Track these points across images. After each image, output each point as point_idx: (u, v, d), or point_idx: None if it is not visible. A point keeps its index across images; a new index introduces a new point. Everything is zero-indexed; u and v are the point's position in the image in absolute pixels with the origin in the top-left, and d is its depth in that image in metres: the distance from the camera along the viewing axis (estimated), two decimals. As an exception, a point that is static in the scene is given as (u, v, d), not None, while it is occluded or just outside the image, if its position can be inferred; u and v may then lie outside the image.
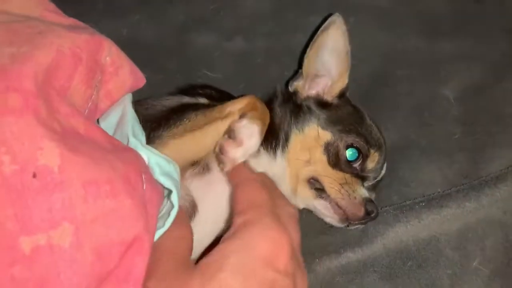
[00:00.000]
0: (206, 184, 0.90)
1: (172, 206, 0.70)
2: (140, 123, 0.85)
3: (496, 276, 0.93)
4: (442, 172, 1.07)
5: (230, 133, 0.86)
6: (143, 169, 0.66)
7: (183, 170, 0.86)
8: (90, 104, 0.71)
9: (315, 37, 1.03)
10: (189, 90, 1.09)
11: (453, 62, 1.23)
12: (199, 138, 0.88)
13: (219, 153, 0.85)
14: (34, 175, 0.53)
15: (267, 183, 0.81)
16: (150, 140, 0.84)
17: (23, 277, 0.52)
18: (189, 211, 0.86)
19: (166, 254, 0.66)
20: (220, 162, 0.86)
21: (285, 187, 0.96)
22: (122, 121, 0.79)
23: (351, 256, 0.96)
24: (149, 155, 0.71)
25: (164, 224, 0.67)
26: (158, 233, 0.67)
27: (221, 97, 1.05)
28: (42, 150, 0.54)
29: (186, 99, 1.01)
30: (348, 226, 0.96)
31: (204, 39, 1.25)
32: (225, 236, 0.68)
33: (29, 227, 0.52)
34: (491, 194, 0.97)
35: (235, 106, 0.90)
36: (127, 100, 0.84)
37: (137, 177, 0.62)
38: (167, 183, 0.69)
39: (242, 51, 1.25)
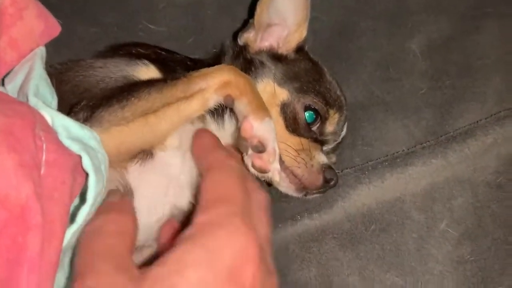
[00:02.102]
0: (146, 171, 0.75)
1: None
2: (67, 99, 0.71)
3: (466, 239, 0.87)
4: (407, 129, 0.99)
5: (255, 146, 0.71)
6: (41, 126, 0.54)
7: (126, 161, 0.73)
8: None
9: None
10: (122, 49, 0.92)
11: (420, 14, 1.15)
12: (152, 124, 0.71)
13: (258, 174, 0.73)
14: None
15: (242, 169, 0.68)
16: (87, 122, 0.68)
17: None
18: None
19: (100, 255, 0.52)
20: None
21: (232, 136, 0.85)
22: (27, 79, 0.66)
23: (308, 223, 0.88)
24: (53, 115, 0.58)
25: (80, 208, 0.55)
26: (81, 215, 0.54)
27: (167, 58, 0.91)
28: None
29: (127, 69, 0.81)
30: (305, 195, 0.87)
31: (147, -12, 1.11)
32: (185, 234, 0.55)
33: None
34: (460, 150, 0.90)
35: (207, 83, 0.74)
36: (37, 56, 0.70)
37: (25, 133, 0.50)
38: (74, 147, 0.56)
39: (189, 1, 1.12)
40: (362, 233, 0.87)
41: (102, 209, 0.58)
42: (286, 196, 0.89)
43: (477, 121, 0.94)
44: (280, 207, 0.89)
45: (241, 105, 0.75)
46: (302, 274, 0.84)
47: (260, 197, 0.65)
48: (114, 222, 0.57)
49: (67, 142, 0.56)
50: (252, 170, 0.73)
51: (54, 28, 0.70)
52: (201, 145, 0.72)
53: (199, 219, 0.56)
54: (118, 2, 1.10)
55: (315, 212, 0.88)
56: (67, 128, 0.58)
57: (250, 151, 0.73)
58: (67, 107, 0.72)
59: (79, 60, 0.84)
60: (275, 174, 0.73)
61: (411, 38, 1.12)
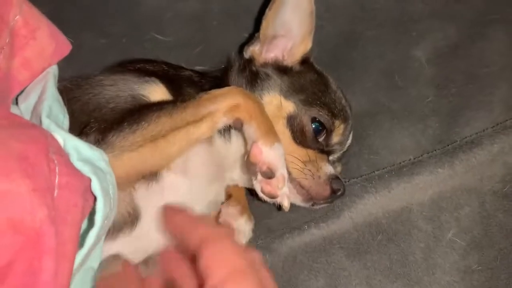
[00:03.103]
0: (154, 192, 0.75)
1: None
2: (77, 117, 0.71)
3: (473, 248, 0.87)
4: (414, 138, 0.99)
5: (264, 172, 0.73)
6: (53, 149, 0.55)
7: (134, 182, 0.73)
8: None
9: None
10: (130, 65, 0.92)
11: (425, 21, 1.15)
12: (162, 148, 0.72)
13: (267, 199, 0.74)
14: None
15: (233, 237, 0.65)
16: (98, 145, 0.68)
17: None
18: (126, 219, 0.73)
19: None
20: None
21: (242, 169, 0.86)
22: (40, 100, 0.67)
23: (315, 233, 0.88)
24: (65, 137, 0.59)
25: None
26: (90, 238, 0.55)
27: (174, 75, 0.91)
28: None
29: (136, 88, 0.81)
30: (313, 205, 0.88)
31: (154, -1, 1.12)
32: None
33: None
34: (466, 160, 0.90)
35: (215, 106, 0.74)
36: (50, 75, 0.71)
37: (39, 157, 0.51)
38: (84, 169, 0.57)
39: (196, 12, 1.13)
40: (369, 243, 0.87)
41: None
42: (294, 206, 0.89)
43: (484, 130, 0.94)
44: (288, 216, 0.89)
45: (250, 129, 0.76)
46: (309, 284, 0.84)
47: (256, 256, 0.64)
48: None
49: (78, 164, 0.57)
50: (261, 195, 0.75)
51: (65, 46, 0.72)
52: (177, 224, 0.69)
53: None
54: (126, 13, 1.11)
55: (322, 222, 0.88)
56: (78, 150, 0.58)
57: (259, 177, 0.74)
58: (77, 125, 0.73)
59: (89, 76, 0.84)
60: (284, 199, 0.74)
61: (416, 45, 1.12)
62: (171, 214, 0.70)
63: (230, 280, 0.54)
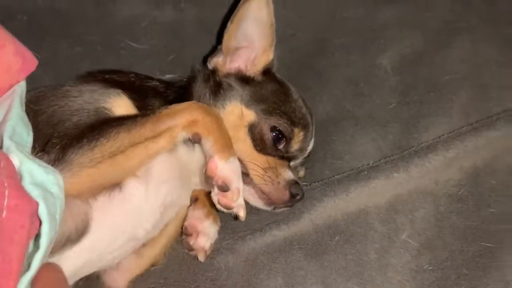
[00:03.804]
0: (116, 201, 0.78)
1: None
2: (42, 129, 0.74)
3: (425, 249, 0.91)
4: (376, 143, 1.03)
5: (220, 186, 0.77)
6: (6, 172, 0.58)
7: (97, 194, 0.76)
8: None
9: (236, 9, 0.96)
10: (98, 76, 0.94)
11: (392, 30, 1.18)
12: (121, 163, 0.75)
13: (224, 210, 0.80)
14: None
15: None
16: (58, 162, 0.71)
17: None
18: (72, 233, 0.74)
19: None
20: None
21: (200, 173, 0.89)
22: (4, 120, 0.69)
23: (276, 234, 0.92)
24: (22, 160, 0.62)
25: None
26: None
27: (140, 85, 0.94)
28: None
29: (100, 100, 0.82)
30: (274, 209, 0.92)
31: (130, 7, 1.16)
32: None
33: None
34: (421, 165, 0.94)
35: (174, 122, 0.77)
36: (17, 93, 0.72)
37: None
38: (34, 193, 0.60)
39: (171, 20, 1.16)
40: (327, 244, 0.91)
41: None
42: (256, 209, 0.93)
43: (440, 136, 0.98)
44: (250, 219, 0.93)
45: (207, 144, 0.79)
46: (268, 284, 0.88)
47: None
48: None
49: (29, 188, 0.59)
50: (218, 207, 0.80)
51: (32, 62, 0.73)
52: None
53: None
54: (101, 21, 1.13)
55: (283, 224, 0.92)
56: (32, 174, 0.61)
57: (215, 190, 0.78)
58: (42, 137, 0.75)
59: (55, 87, 0.87)
60: (240, 210, 0.79)
61: (383, 53, 1.15)
62: None
63: None
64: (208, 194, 0.95)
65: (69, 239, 0.74)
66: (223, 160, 0.78)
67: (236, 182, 0.78)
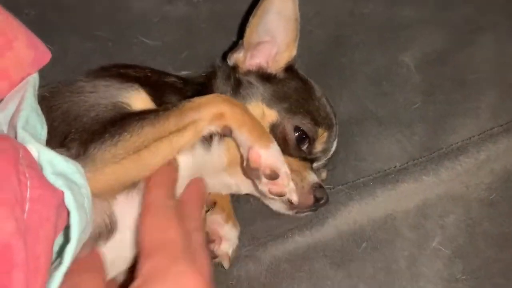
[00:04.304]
0: (133, 201, 0.74)
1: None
2: (57, 126, 0.71)
3: (457, 257, 0.87)
4: (401, 144, 0.99)
5: (269, 174, 0.74)
6: (25, 162, 0.54)
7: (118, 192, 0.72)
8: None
9: (259, 2, 0.91)
10: (112, 70, 0.90)
11: (413, 27, 1.15)
12: (145, 159, 0.71)
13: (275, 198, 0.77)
14: None
15: (178, 207, 0.69)
16: (80, 159, 0.67)
17: None
18: (103, 229, 0.71)
19: None
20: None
21: (224, 178, 0.87)
22: (17, 110, 0.66)
23: (299, 240, 0.88)
24: (39, 149, 0.58)
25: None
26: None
27: (157, 81, 0.90)
28: None
29: (117, 95, 0.79)
30: (297, 213, 0.88)
31: (141, 2, 1.12)
32: (133, 286, 0.57)
33: None
34: (452, 168, 0.90)
35: (199, 115, 0.74)
36: (29, 85, 0.70)
37: (7, 170, 0.50)
38: (57, 182, 0.56)
39: (184, 15, 1.12)
40: (354, 251, 0.87)
41: (74, 268, 0.57)
42: (277, 213, 0.89)
43: (470, 138, 0.94)
44: (271, 224, 0.89)
45: (242, 136, 0.76)
46: (292, 293, 0.84)
47: (198, 236, 0.67)
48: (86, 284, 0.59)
49: (51, 178, 0.56)
50: (270, 196, 0.76)
51: (45, 55, 0.71)
52: (150, 181, 0.72)
53: (144, 268, 0.58)
54: (112, 16, 1.10)
55: (306, 230, 0.88)
56: (52, 163, 0.58)
57: (264, 180, 0.75)
58: (58, 135, 0.71)
59: (70, 82, 0.83)
60: (292, 195, 0.76)
61: (404, 51, 1.12)
62: (157, 172, 0.72)
63: (161, 257, 0.59)
64: (225, 198, 0.91)
65: (101, 235, 0.70)
66: (265, 148, 0.75)
67: (283, 167, 0.75)
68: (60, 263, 0.54)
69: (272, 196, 0.76)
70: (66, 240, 0.56)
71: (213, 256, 0.85)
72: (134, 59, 1.07)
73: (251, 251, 0.88)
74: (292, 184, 0.76)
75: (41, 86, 0.74)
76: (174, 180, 0.74)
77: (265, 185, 0.75)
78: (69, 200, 0.55)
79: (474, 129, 0.97)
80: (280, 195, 0.76)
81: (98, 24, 1.09)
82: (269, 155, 0.75)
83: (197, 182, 0.81)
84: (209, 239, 0.85)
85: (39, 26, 1.03)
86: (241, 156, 0.78)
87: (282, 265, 0.86)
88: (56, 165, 0.58)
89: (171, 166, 0.75)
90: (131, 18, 1.11)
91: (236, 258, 0.87)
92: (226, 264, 0.85)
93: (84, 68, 1.00)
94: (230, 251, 0.85)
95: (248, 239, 0.90)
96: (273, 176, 0.74)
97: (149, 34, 1.11)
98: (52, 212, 0.52)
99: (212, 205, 0.90)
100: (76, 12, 1.08)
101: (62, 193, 0.55)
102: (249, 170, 0.76)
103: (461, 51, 1.11)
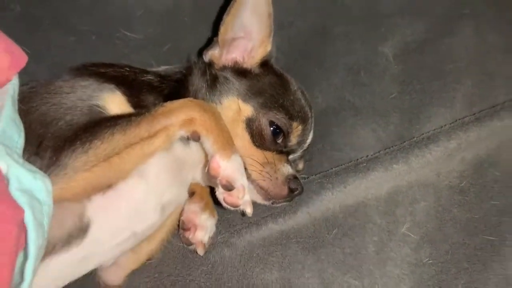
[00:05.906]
0: (110, 200, 0.76)
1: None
2: (35, 129, 0.72)
3: (425, 242, 0.89)
4: (376, 134, 1.00)
5: (225, 185, 0.76)
6: None
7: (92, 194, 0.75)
8: None
9: (232, 1, 0.93)
10: (91, 69, 0.91)
11: (394, 17, 1.15)
12: (117, 165, 0.72)
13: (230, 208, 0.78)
14: None
15: None
16: (52, 167, 0.69)
17: None
18: (73, 232, 0.73)
19: None
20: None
21: (202, 171, 0.88)
22: None
23: (273, 227, 0.90)
24: (9, 164, 0.60)
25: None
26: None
27: (135, 80, 0.91)
28: None
29: (93, 97, 0.80)
30: (273, 203, 0.90)
31: (124, -4, 1.13)
32: None
33: None
34: (422, 156, 0.92)
35: (170, 121, 0.75)
36: (8, 94, 0.69)
37: None
38: (21, 200, 0.58)
39: (167, 8, 1.13)
40: (325, 237, 0.89)
41: None
42: (254, 202, 0.92)
43: (441, 127, 0.95)
44: (247, 212, 0.92)
45: (207, 143, 0.77)
46: (263, 277, 0.87)
47: None
48: None
49: (16, 194, 0.58)
50: (224, 205, 0.78)
51: (21, 58, 0.70)
52: None
53: None
54: (95, 10, 1.11)
55: (280, 217, 0.91)
56: (19, 179, 0.59)
57: (220, 189, 0.77)
58: (34, 138, 0.73)
59: (48, 83, 0.84)
60: (247, 207, 0.78)
61: (384, 41, 1.12)
62: None
63: None
64: (211, 189, 0.94)
65: (71, 235, 0.73)
66: (225, 159, 0.76)
67: (240, 179, 0.77)
68: (22, 279, 0.56)
69: (226, 206, 0.78)
70: (25, 257, 0.58)
71: (188, 243, 0.89)
72: (118, 52, 1.08)
73: (227, 237, 0.91)
74: (248, 198, 0.77)
75: (21, 85, 0.75)
76: None
77: (221, 194, 0.77)
78: (29, 219, 0.57)
79: (449, 118, 0.98)
80: (234, 206, 0.77)
81: (81, 18, 1.09)
82: (228, 167, 0.76)
83: None
84: (185, 227, 0.89)
85: (23, 21, 1.07)
86: (206, 161, 0.80)
87: (255, 251, 0.89)
88: (23, 181, 0.59)
89: None
90: (114, 12, 1.11)
91: (211, 245, 0.90)
92: (200, 251, 0.89)
93: (68, 62, 1.01)
94: (206, 238, 0.88)
95: (225, 227, 0.93)
96: (229, 187, 0.76)
97: (132, 28, 1.11)
98: (13, 227, 0.54)
99: (190, 194, 0.93)
100: (59, 5, 1.08)
101: (23, 211, 0.57)
102: (209, 177, 0.78)
103: (441, 41, 1.11)
